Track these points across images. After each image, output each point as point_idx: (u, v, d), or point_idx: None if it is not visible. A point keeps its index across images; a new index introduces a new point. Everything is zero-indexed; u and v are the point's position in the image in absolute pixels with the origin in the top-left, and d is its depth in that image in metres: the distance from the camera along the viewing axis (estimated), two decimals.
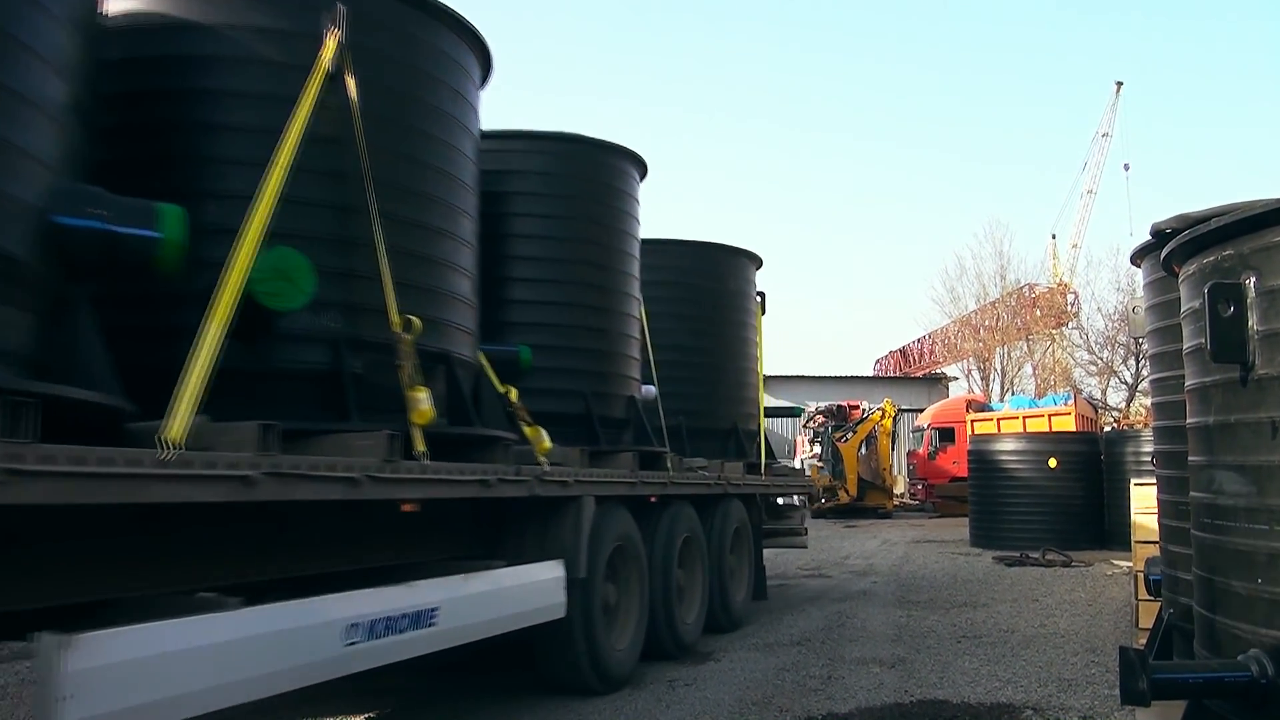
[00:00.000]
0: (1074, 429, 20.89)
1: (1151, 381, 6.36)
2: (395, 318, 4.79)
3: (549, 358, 7.29)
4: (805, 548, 12.97)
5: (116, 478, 3.23)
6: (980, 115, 77.49)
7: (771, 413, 14.12)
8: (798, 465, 32.09)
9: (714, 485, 8.89)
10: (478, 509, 6.01)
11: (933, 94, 79.50)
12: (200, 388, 3.75)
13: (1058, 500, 17.36)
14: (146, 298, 4.46)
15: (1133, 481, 9.28)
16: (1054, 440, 18.91)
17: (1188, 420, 4.14)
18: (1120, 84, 46.48)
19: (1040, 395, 32.60)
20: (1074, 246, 44.28)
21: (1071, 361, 41.22)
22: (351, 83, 4.84)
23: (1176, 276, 4.31)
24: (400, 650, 4.65)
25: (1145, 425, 20.51)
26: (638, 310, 8.54)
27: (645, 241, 9.88)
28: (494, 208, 7.19)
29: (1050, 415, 22.14)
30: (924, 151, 77.63)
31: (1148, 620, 6.83)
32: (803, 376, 40.68)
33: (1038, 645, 8.26)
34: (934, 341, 47.18)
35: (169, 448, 3.45)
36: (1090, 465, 17.77)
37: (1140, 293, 6.52)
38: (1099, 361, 39.34)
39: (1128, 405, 36.37)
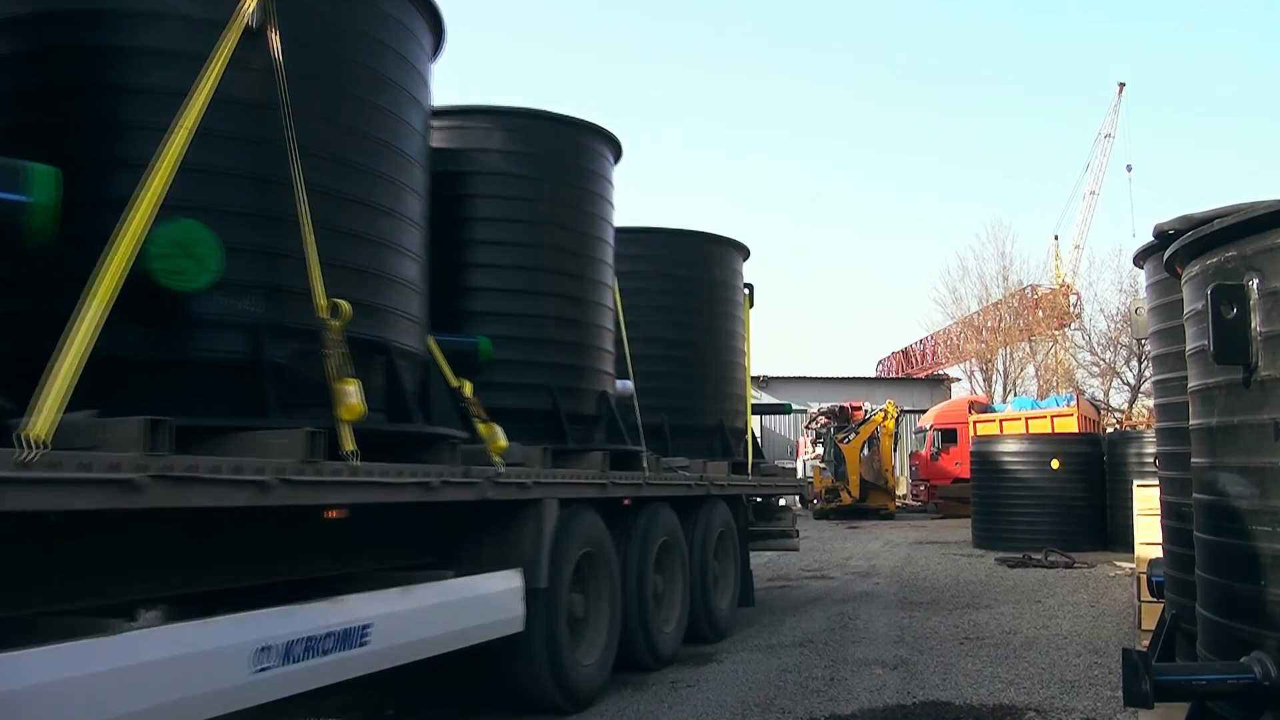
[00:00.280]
0: (1077, 430, 20.82)
1: (1154, 383, 6.36)
2: (321, 300, 4.26)
3: (513, 349, 6.75)
4: (797, 550, 12.42)
5: None
6: (982, 116, 77.47)
7: (759, 410, 13.54)
8: (799, 466, 32.22)
9: (695, 486, 8.36)
10: (427, 515, 5.50)
11: (934, 95, 79.52)
12: (72, 377, 3.24)
13: (1060, 501, 17.16)
14: (32, 278, 4.00)
15: (1135, 483, 9.28)
16: (1056, 441, 18.73)
17: (1190, 422, 4.13)
18: (1123, 85, 46.39)
19: (1043, 396, 32.50)
20: (1076, 247, 44.17)
21: (1074, 363, 41.10)
22: (275, 39, 4.32)
23: (1179, 278, 4.30)
24: (324, 674, 4.10)
25: (1148, 426, 20.44)
26: (611, 300, 7.91)
27: (625, 230, 9.31)
28: (453, 189, 6.75)
29: (1053, 416, 22.09)
30: (926, 152, 77.66)
31: (1150, 622, 6.82)
32: (805, 378, 40.68)
33: (1040, 647, 8.20)
34: (936, 342, 47.10)
35: (33, 447, 2.95)
36: (1093, 467, 17.57)
37: (1143, 294, 6.52)
38: (1101, 363, 39.20)
39: (1130, 406, 36.25)
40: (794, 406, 19.93)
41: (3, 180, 3.38)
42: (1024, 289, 42.42)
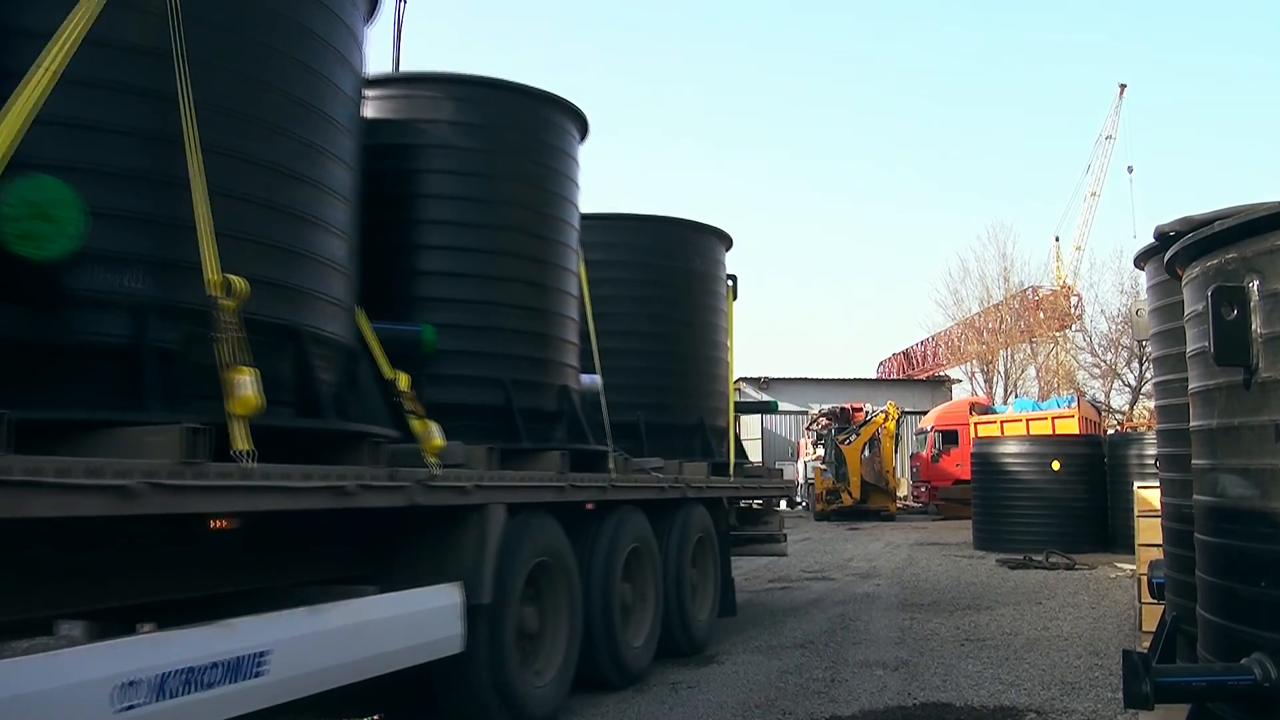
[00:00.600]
0: (1077, 432, 20.74)
1: (1155, 384, 6.36)
2: (213, 275, 3.69)
3: (464, 339, 6.16)
4: (785, 555, 11.65)
5: None
6: (984, 117, 77.43)
7: (743, 408, 12.61)
8: (800, 467, 32.24)
9: (670, 488, 7.70)
10: (353, 524, 4.90)
11: (936, 95, 79.49)
12: None
13: (1061, 503, 17.02)
14: None
15: (1136, 484, 9.25)
16: (1057, 443, 18.59)
17: (1191, 423, 4.13)
18: (1124, 86, 46.20)
19: (1044, 398, 32.44)
20: (1077, 249, 44.07)
21: (1075, 364, 41.00)
22: None
23: (1180, 279, 4.30)
24: (208, 712, 3.50)
25: (1149, 428, 20.44)
26: (577, 288, 7.24)
27: (599, 216, 8.80)
28: (399, 163, 6.28)
29: (1054, 418, 22.04)
30: (926, 153, 77.60)
31: (1151, 623, 6.82)
32: (806, 379, 40.73)
33: (1041, 648, 8.17)
34: (937, 344, 47.06)
35: None
36: (1094, 468, 17.40)
37: (1144, 295, 6.53)
38: (1102, 364, 39.11)
39: (1131, 408, 36.17)
40: (780, 405, 19.61)
41: None
42: (1025, 290, 42.35)
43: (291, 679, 3.92)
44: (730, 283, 10.47)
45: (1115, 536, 16.32)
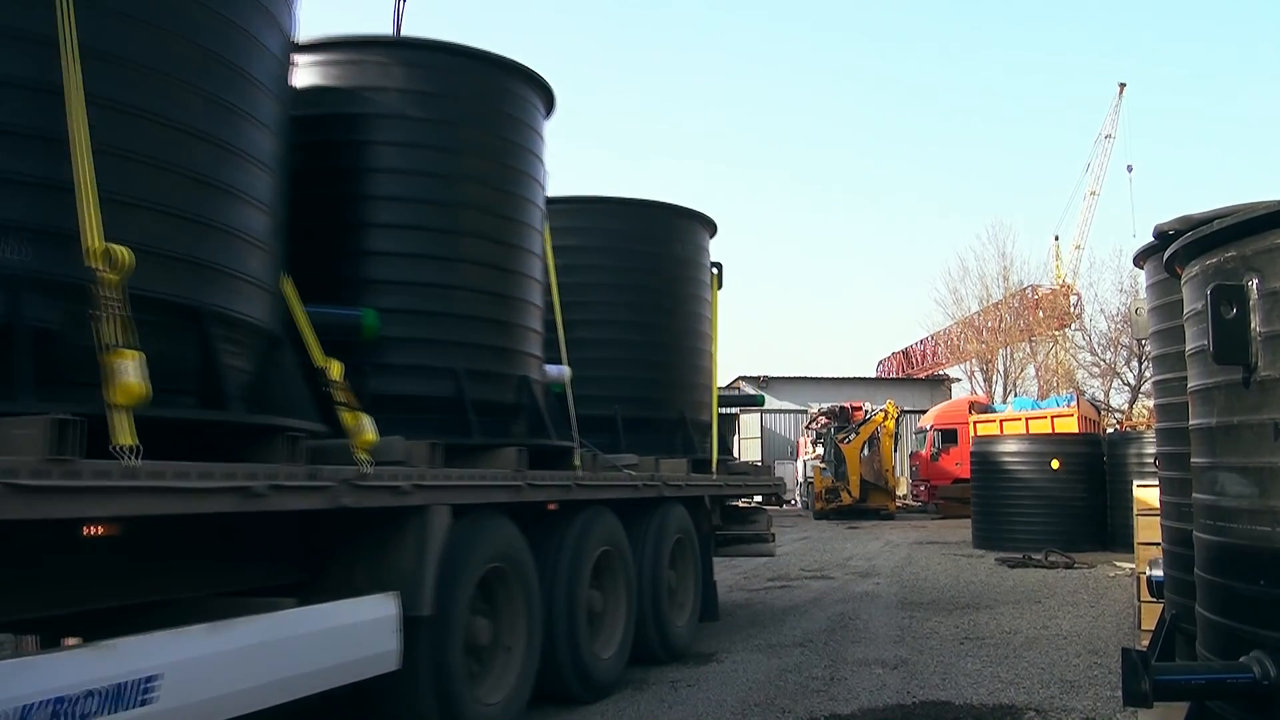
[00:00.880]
0: (1077, 430, 20.74)
1: (1154, 383, 6.37)
2: (94, 243, 3.24)
3: (413, 325, 5.69)
4: (772, 555, 11.02)
5: None
6: (984, 116, 77.45)
7: (727, 402, 12.01)
8: (800, 466, 32.25)
9: (644, 487, 7.18)
10: (283, 529, 4.43)
11: (935, 94, 79.47)
12: None
13: (1060, 502, 16.98)
14: None
15: (1135, 483, 9.25)
16: (1057, 442, 18.57)
17: (1190, 422, 4.13)
18: (1123, 85, 46.15)
19: (1043, 397, 32.38)
20: (1077, 248, 44.06)
21: (1074, 363, 40.99)
22: None
23: (1179, 278, 4.31)
24: None
25: (1148, 427, 20.41)
26: (541, 272, 6.68)
27: (576, 200, 8.45)
28: (344, 134, 5.82)
29: (1053, 417, 22.03)
30: (926, 152, 77.61)
31: (1150, 622, 6.82)
32: (805, 378, 40.76)
33: (1040, 646, 8.17)
34: (936, 343, 47.08)
35: None
36: (1093, 467, 17.39)
37: (1143, 294, 6.52)
38: (1102, 363, 39.08)
39: (1130, 407, 36.12)
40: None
41: None
42: (1024, 289, 42.34)
43: (187, 706, 3.42)
44: (715, 271, 9.94)
45: (1114, 535, 16.30)
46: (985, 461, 18.62)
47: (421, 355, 5.76)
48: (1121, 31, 72.02)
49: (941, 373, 45.41)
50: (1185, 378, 4.26)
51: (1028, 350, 42.27)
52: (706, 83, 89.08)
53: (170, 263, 3.64)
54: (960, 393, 41.07)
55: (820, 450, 29.08)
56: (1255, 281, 3.48)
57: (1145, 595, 7.19)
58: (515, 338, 6.29)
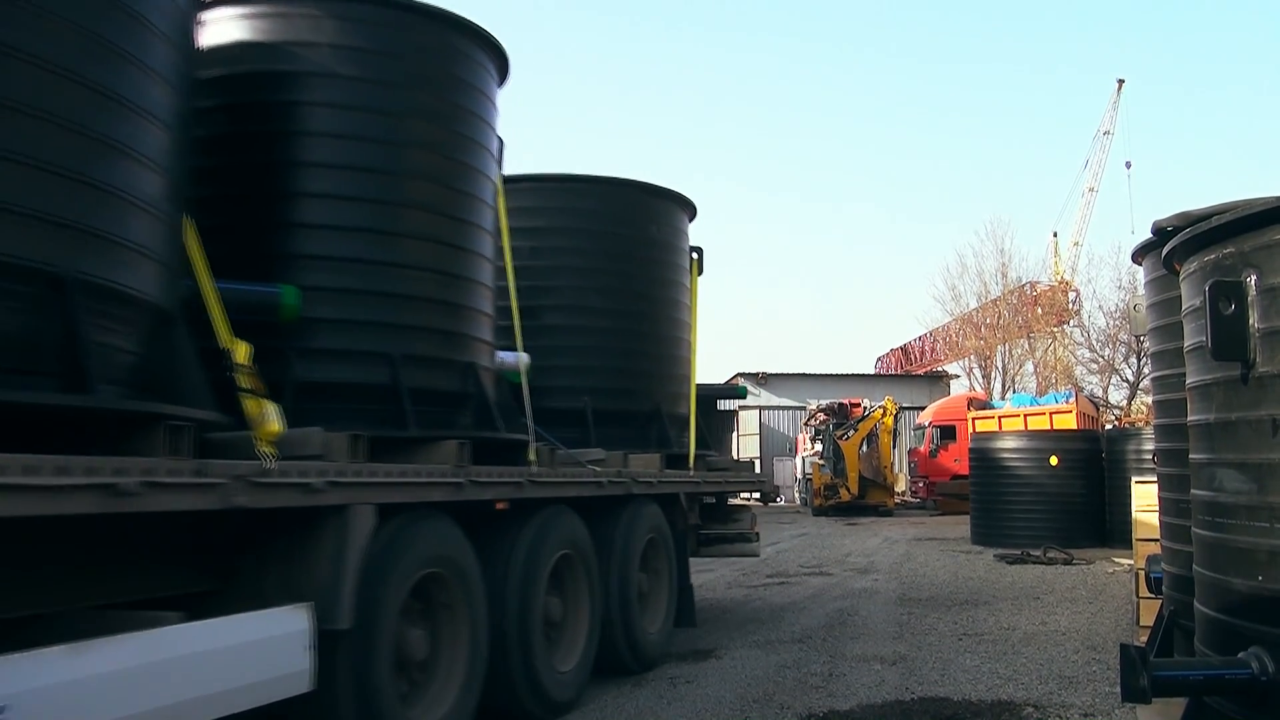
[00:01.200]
0: (1075, 427, 20.80)
1: (1153, 379, 6.37)
2: None
3: (343, 305, 5.21)
4: (757, 555, 10.30)
5: None
6: (982, 113, 77.46)
7: (706, 394, 10.80)
8: (798, 463, 32.28)
9: (609, 484, 6.59)
10: (179, 532, 3.91)
11: (934, 90, 79.48)
12: None
13: (1059, 498, 17.01)
14: None
15: (1134, 479, 9.27)
16: (1055, 438, 18.66)
17: (1189, 418, 4.14)
18: (1122, 81, 46.29)
19: (1042, 393, 32.41)
20: (1075, 244, 44.11)
21: (1073, 359, 40.99)
22: None
23: (1178, 274, 4.31)
24: None
25: (1146, 423, 20.42)
26: (493, 250, 6.14)
27: (543, 178, 8.21)
28: (270, 94, 5.38)
29: (1052, 413, 22.10)
30: (926, 149, 77.63)
31: (1149, 618, 6.83)
32: (804, 374, 40.72)
33: (1039, 643, 8.14)
34: (935, 339, 47.04)
35: None
36: (1091, 463, 17.41)
37: (1142, 290, 6.53)
38: (1100, 359, 39.08)
39: (1129, 403, 36.17)
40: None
41: None
42: (1023, 286, 42.31)
43: None
44: (695, 255, 9.30)
45: (1113, 531, 16.32)
46: (984, 458, 18.64)
47: (353, 339, 5.28)
48: (1120, 28, 72.04)
49: (940, 369, 45.39)
50: (1184, 374, 4.27)
51: (1026, 347, 42.27)
52: (705, 75, 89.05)
53: (27, 221, 3.07)
54: (959, 389, 41.04)
55: (819, 447, 29.10)
56: (1253, 278, 3.49)
57: (1144, 591, 7.20)
58: (461, 320, 5.79)
